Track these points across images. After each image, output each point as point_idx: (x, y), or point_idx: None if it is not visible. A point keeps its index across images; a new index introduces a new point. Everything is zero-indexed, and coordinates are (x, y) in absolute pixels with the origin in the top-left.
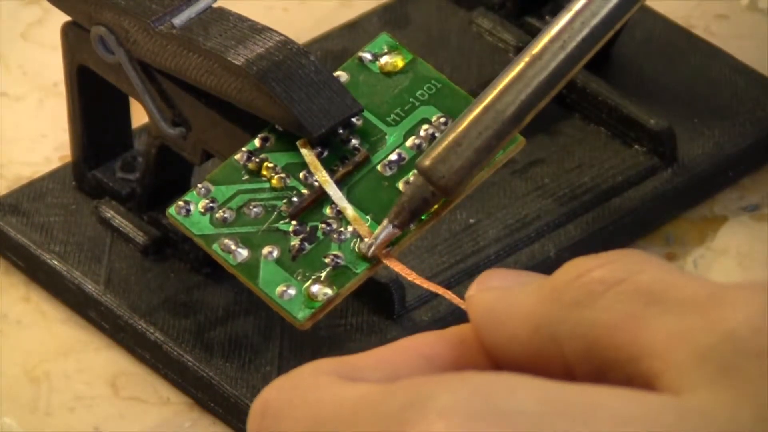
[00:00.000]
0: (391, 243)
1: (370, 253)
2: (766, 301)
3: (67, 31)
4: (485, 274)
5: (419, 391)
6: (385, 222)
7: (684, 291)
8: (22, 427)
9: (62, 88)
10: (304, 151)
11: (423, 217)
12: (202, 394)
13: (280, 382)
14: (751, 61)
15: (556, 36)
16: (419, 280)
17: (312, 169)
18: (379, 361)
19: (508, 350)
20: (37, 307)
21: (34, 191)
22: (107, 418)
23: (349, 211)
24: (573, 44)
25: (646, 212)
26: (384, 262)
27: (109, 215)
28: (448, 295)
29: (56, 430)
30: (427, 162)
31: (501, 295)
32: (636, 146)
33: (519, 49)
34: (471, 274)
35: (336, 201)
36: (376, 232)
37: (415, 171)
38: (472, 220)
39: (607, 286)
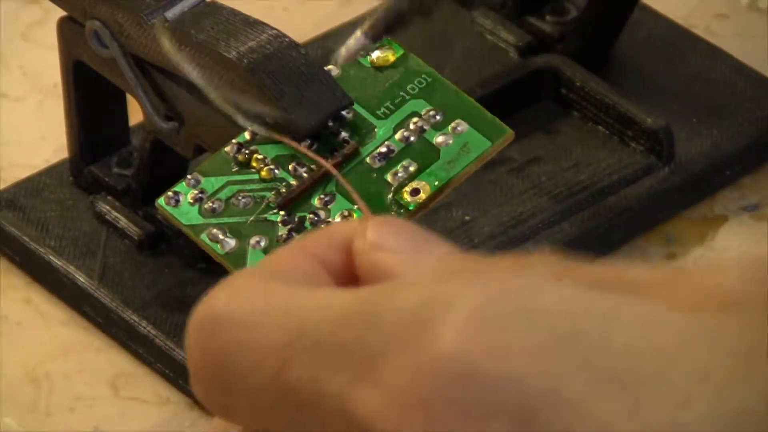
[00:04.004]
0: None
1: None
2: (755, 263)
3: (63, 26)
4: (377, 225)
5: (440, 289)
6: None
7: (640, 274)
8: (22, 427)
9: (62, 90)
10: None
11: (411, 207)
12: None
13: (224, 292)
14: (751, 61)
15: None
16: (357, 198)
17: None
18: (284, 262)
19: None
20: (37, 309)
21: (31, 186)
22: (107, 418)
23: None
24: None
25: (642, 211)
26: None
27: (104, 210)
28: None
29: (56, 430)
30: None
31: (400, 261)
32: (633, 145)
33: (520, 49)
34: None
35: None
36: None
37: None
38: (467, 218)
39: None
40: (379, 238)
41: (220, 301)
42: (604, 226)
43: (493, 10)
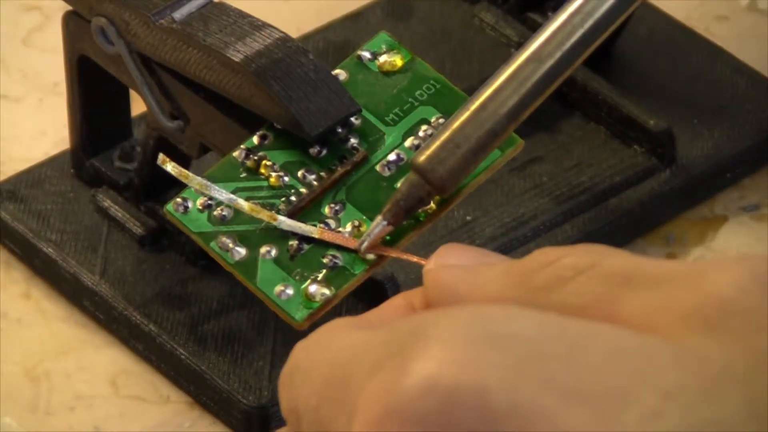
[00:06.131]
0: (386, 241)
1: (363, 248)
2: (752, 267)
3: (68, 20)
4: (443, 249)
5: (421, 320)
6: (378, 218)
7: (658, 269)
8: (22, 426)
9: (62, 88)
10: None
11: (421, 218)
12: (195, 388)
13: (303, 344)
14: (751, 61)
15: (552, 35)
16: (406, 255)
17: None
18: (383, 312)
19: None
20: (37, 305)
21: (32, 178)
22: (107, 417)
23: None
24: (569, 44)
25: (643, 213)
26: (374, 252)
27: (106, 204)
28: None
29: (56, 430)
30: (422, 160)
31: (463, 275)
32: (635, 146)
33: (521, 45)
34: None
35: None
36: (370, 227)
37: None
38: (469, 218)
39: (577, 271)
40: (444, 258)
41: (297, 350)
42: (605, 229)
43: (495, 6)
